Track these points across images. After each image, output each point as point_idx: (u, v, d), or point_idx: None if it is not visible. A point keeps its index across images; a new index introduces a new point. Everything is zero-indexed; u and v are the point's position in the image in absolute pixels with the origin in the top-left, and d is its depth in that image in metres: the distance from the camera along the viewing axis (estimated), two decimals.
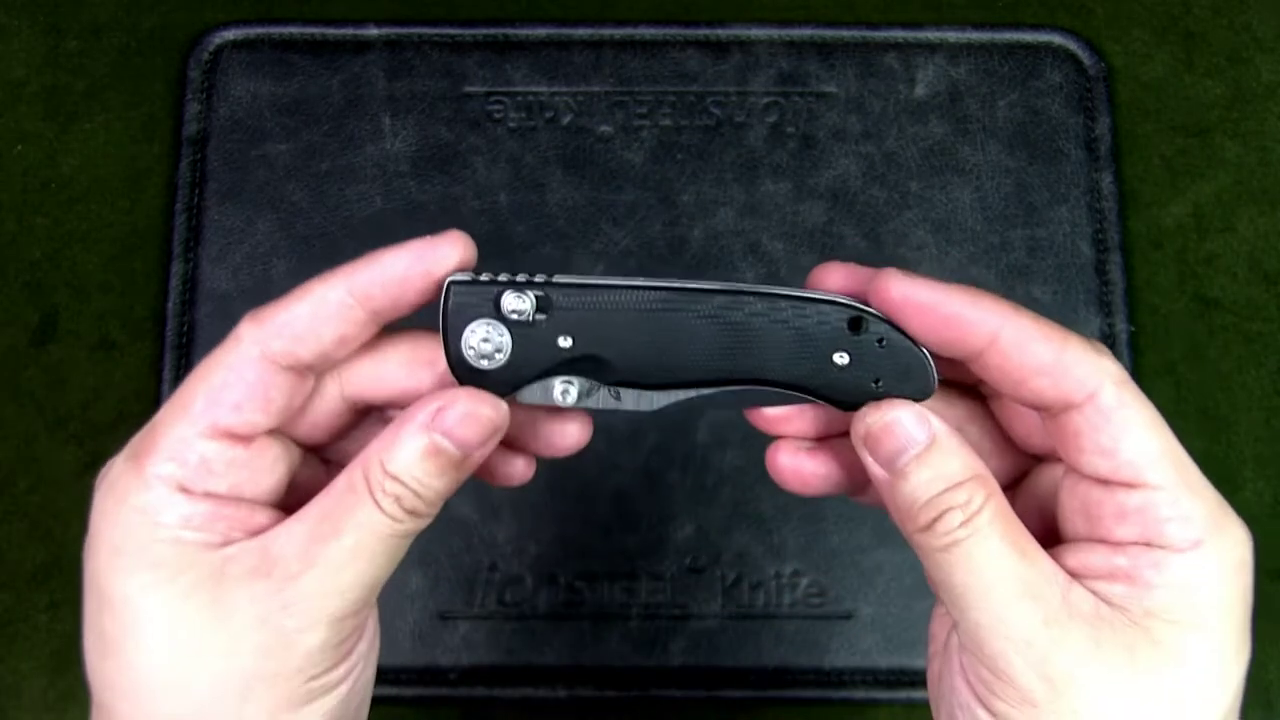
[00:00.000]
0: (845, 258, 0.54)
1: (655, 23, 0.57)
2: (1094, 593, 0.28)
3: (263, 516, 0.30)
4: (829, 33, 0.57)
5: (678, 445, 0.52)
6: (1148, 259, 0.55)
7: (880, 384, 0.30)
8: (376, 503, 0.29)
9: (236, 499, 0.30)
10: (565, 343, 0.30)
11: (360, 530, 0.30)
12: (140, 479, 0.29)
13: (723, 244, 0.54)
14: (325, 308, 0.30)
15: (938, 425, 0.29)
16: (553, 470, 0.51)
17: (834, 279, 0.31)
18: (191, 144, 0.55)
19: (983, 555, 0.28)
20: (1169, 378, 0.54)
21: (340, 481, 0.30)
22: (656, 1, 0.58)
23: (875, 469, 0.29)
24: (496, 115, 0.55)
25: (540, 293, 0.30)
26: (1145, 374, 0.54)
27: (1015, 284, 0.54)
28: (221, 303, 0.53)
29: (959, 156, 0.55)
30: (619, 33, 0.56)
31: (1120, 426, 0.29)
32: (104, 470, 0.30)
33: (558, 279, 0.30)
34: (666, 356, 0.30)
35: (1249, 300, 0.55)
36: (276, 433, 0.31)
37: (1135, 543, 0.28)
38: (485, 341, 0.30)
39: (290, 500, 0.31)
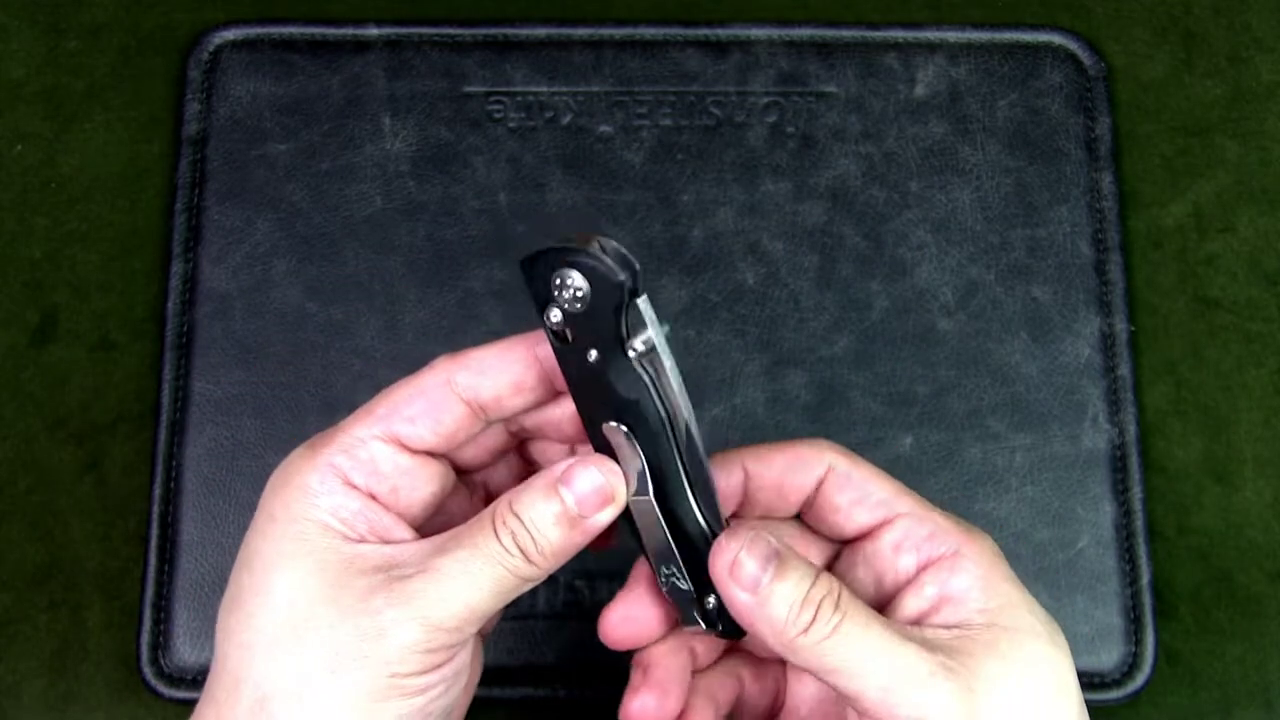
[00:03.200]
0: (845, 258, 0.54)
1: (655, 23, 0.57)
2: (934, 625, 0.34)
3: (401, 532, 0.34)
4: (829, 33, 0.57)
5: None
6: (1148, 259, 0.55)
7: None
8: (495, 533, 0.33)
9: (386, 507, 0.34)
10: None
11: (475, 551, 0.33)
12: (312, 463, 0.33)
13: (722, 244, 0.54)
14: (510, 355, 0.35)
15: (777, 544, 0.34)
16: None
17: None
18: (191, 144, 0.55)
19: (860, 626, 0.33)
20: (1169, 378, 0.54)
21: (473, 518, 0.34)
22: (656, 1, 0.58)
23: (741, 600, 0.34)
24: (496, 115, 0.55)
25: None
26: (1145, 374, 0.54)
27: (1015, 284, 0.54)
28: (221, 303, 0.53)
29: (959, 156, 0.55)
30: (619, 33, 0.56)
31: (860, 481, 0.36)
32: (287, 458, 0.35)
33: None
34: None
35: (1249, 300, 0.55)
36: (441, 457, 0.36)
37: (920, 568, 0.36)
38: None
39: (430, 526, 0.35)
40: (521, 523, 0.33)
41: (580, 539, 0.34)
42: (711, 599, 0.35)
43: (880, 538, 0.37)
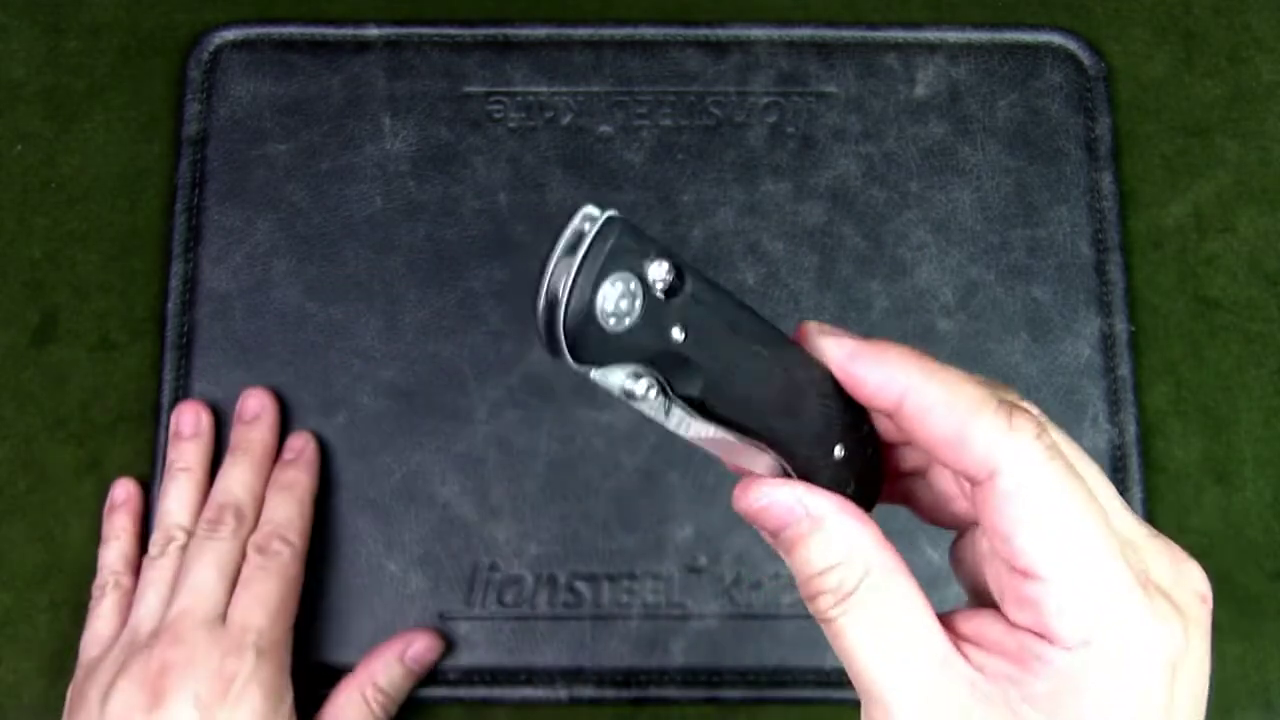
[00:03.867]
0: (845, 258, 0.54)
1: (655, 23, 0.57)
2: (981, 666, 0.27)
3: None
4: (829, 33, 0.57)
5: (678, 445, 0.52)
6: (1148, 259, 0.55)
7: (851, 488, 0.30)
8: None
9: None
10: (678, 334, 0.26)
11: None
12: None
13: (722, 244, 0.54)
14: None
15: (823, 508, 0.28)
16: (553, 470, 0.51)
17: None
18: (191, 144, 0.55)
19: (852, 634, 0.28)
20: (1169, 378, 0.54)
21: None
22: (656, 1, 0.58)
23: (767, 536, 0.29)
24: (496, 115, 0.55)
25: (675, 267, 0.26)
26: (1145, 374, 0.54)
27: (1015, 284, 0.54)
28: (221, 303, 0.53)
29: (959, 156, 0.55)
30: (619, 33, 0.56)
31: (1015, 514, 0.27)
32: None
33: (691, 268, 0.27)
34: (745, 393, 0.28)
35: (1249, 300, 0.55)
36: None
37: (1028, 630, 0.27)
38: (622, 300, 0.25)
39: None
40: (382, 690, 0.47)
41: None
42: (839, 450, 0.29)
43: (1014, 577, 0.27)
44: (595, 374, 0.26)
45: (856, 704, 0.51)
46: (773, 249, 0.54)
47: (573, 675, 0.50)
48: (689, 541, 0.51)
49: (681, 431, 0.28)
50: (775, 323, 0.29)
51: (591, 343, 0.25)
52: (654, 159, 0.55)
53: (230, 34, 0.56)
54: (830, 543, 0.28)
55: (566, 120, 0.55)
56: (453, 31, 0.56)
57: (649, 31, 0.56)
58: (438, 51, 0.56)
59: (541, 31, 0.56)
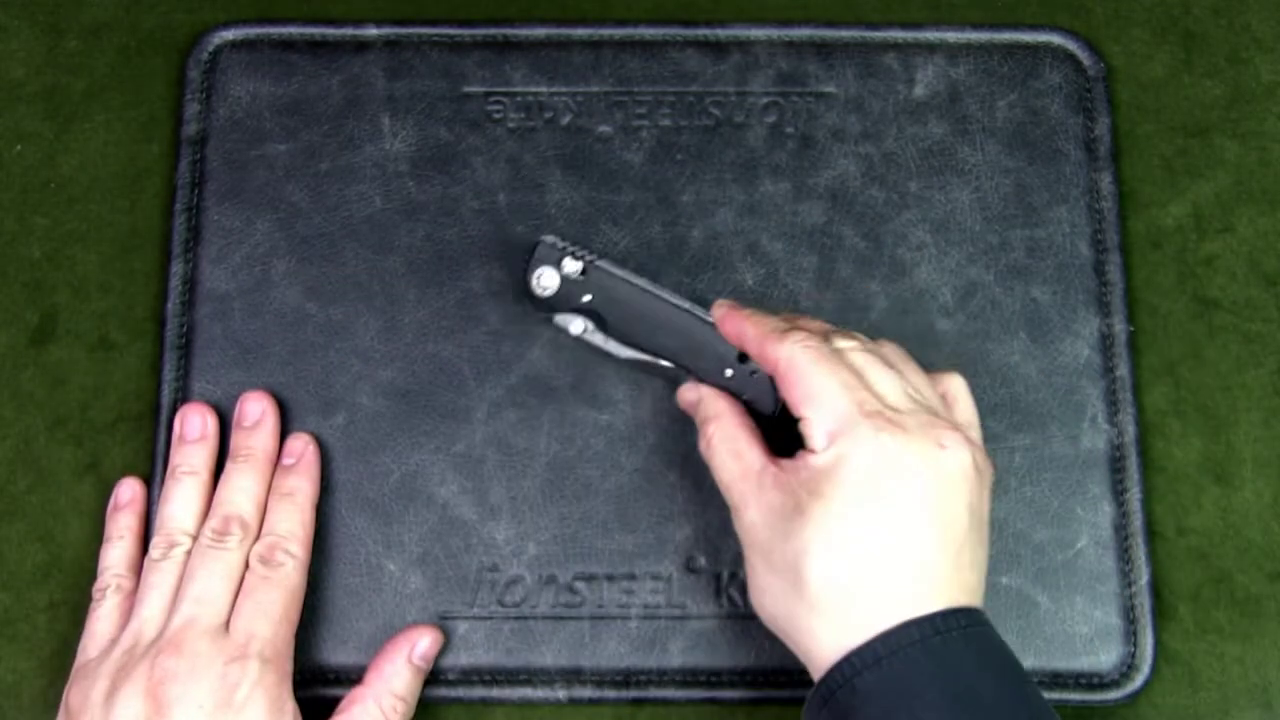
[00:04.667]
0: (845, 258, 0.54)
1: (655, 23, 0.57)
2: (781, 468, 0.44)
3: None
4: (828, 33, 0.57)
5: (678, 445, 0.52)
6: (1147, 259, 0.55)
7: (745, 396, 0.48)
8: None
9: None
10: (587, 298, 0.50)
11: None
12: None
13: (722, 244, 0.54)
14: None
15: (705, 391, 0.48)
16: (552, 470, 0.51)
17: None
18: (191, 144, 0.55)
19: (720, 455, 0.46)
20: (1169, 378, 0.54)
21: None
22: (656, 1, 0.58)
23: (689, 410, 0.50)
24: (496, 115, 0.55)
25: (584, 265, 0.50)
26: (1144, 374, 0.54)
27: (1014, 284, 0.54)
28: (221, 303, 0.53)
29: (958, 157, 0.55)
30: (618, 33, 0.56)
31: (787, 381, 0.44)
32: None
33: (599, 263, 0.50)
34: (642, 329, 0.50)
35: (1249, 300, 0.55)
36: None
37: (804, 450, 0.43)
38: (543, 274, 0.50)
39: None
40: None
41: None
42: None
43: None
44: (557, 319, 0.51)
45: None
46: (772, 249, 0.54)
47: (572, 675, 0.50)
48: (688, 541, 0.51)
49: (618, 353, 0.50)
50: None
51: (535, 300, 0.50)
52: (653, 159, 0.55)
53: (230, 34, 0.56)
54: (704, 406, 0.48)
55: (566, 120, 0.55)
56: (452, 31, 0.56)
57: (648, 31, 0.56)
58: (437, 51, 0.56)
59: (541, 31, 0.56)
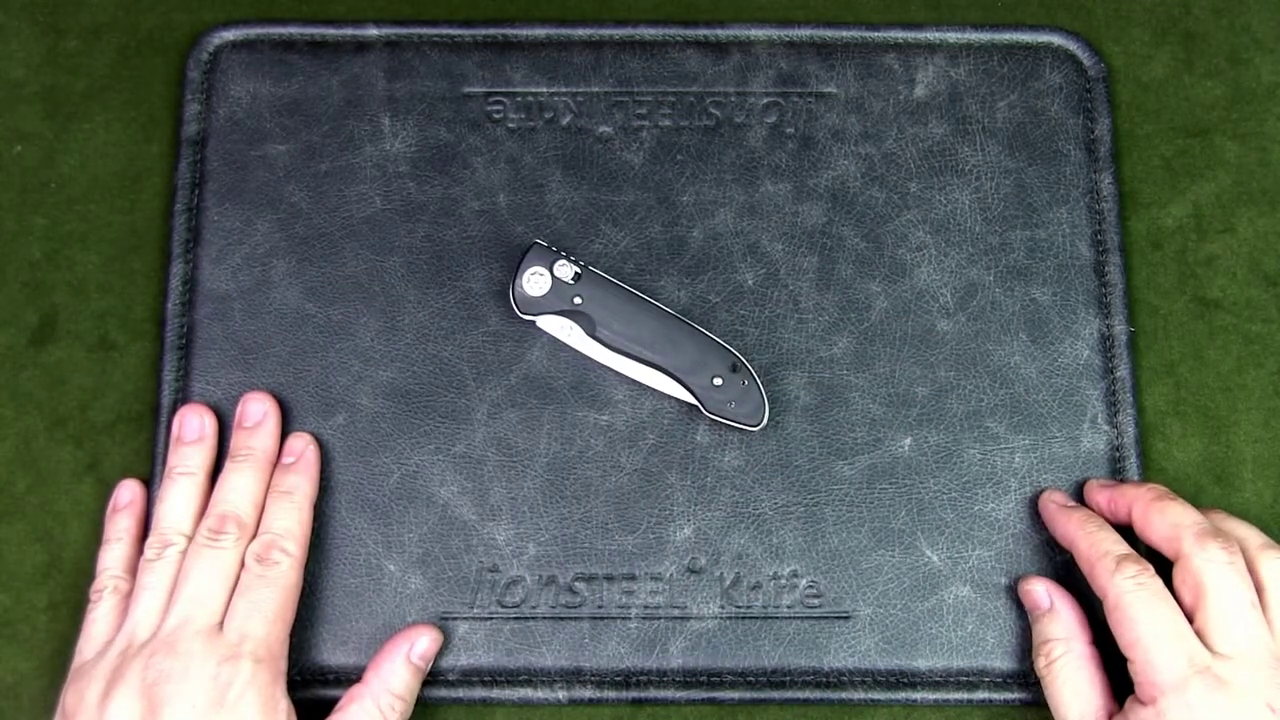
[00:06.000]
0: (845, 258, 0.54)
1: (655, 23, 0.57)
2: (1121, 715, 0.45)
3: None
4: (829, 33, 0.57)
5: (678, 445, 0.52)
6: (1147, 259, 0.55)
7: (732, 405, 0.50)
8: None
9: None
10: (577, 301, 0.51)
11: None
12: None
13: (722, 245, 0.54)
14: None
15: (1058, 598, 0.49)
16: (552, 471, 0.51)
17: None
18: (191, 144, 0.55)
19: (1059, 683, 0.47)
20: (1169, 378, 0.54)
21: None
22: (656, 1, 0.58)
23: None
24: (496, 116, 0.55)
25: (578, 269, 0.51)
26: (1145, 375, 0.54)
27: (1014, 285, 0.54)
28: (221, 303, 0.53)
29: (958, 157, 0.55)
30: (619, 33, 0.56)
31: (1114, 619, 0.45)
32: None
33: (591, 268, 0.51)
34: (631, 333, 0.50)
35: (1249, 300, 0.55)
36: None
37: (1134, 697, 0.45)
38: (534, 276, 0.51)
39: None
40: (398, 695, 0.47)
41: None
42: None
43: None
44: (541, 323, 0.51)
45: (854, 705, 0.51)
46: (772, 250, 0.54)
47: (572, 676, 0.50)
48: (688, 542, 0.51)
49: (601, 360, 0.51)
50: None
51: (523, 300, 0.51)
52: (653, 159, 0.55)
53: (230, 34, 0.56)
54: (1057, 622, 0.48)
55: (566, 121, 0.55)
56: (452, 32, 0.56)
57: (648, 32, 0.56)
58: (437, 52, 0.56)
59: (541, 32, 0.56)
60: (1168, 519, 0.46)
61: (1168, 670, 0.43)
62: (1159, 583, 0.45)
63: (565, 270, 0.50)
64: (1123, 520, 0.49)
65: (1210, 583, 0.44)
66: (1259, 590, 0.45)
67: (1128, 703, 0.44)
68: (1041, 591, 0.49)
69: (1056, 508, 0.50)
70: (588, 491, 0.51)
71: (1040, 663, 0.47)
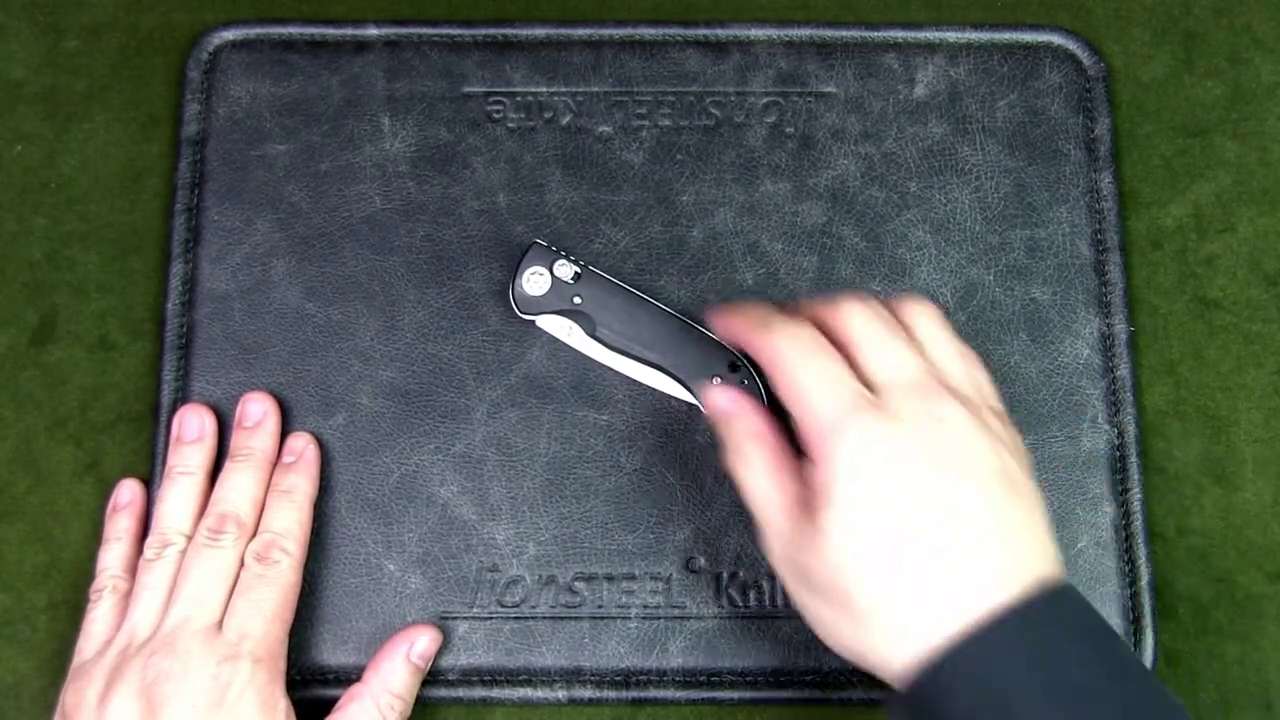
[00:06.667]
0: (845, 258, 0.54)
1: (655, 23, 0.57)
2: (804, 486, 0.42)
3: None
4: (828, 33, 0.57)
5: (677, 445, 0.52)
6: (1147, 259, 0.55)
7: None
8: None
9: None
10: (577, 300, 0.50)
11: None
12: None
13: (722, 245, 0.54)
14: None
15: (743, 404, 0.45)
16: (552, 471, 0.51)
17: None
18: (191, 144, 0.55)
19: (754, 482, 0.44)
20: (1169, 378, 0.54)
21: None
22: (656, 1, 0.58)
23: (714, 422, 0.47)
24: (496, 115, 0.55)
25: (578, 269, 0.51)
26: (1145, 374, 0.54)
27: (1014, 284, 0.54)
28: (221, 303, 0.53)
29: (958, 157, 0.55)
30: (618, 33, 0.56)
31: (773, 379, 0.43)
32: None
33: (591, 268, 0.51)
34: (631, 333, 0.51)
35: (1249, 300, 0.55)
36: None
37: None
38: (534, 276, 0.51)
39: None
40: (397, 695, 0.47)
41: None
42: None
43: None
44: (540, 323, 0.51)
45: (855, 705, 0.51)
46: (772, 249, 0.54)
47: (572, 676, 0.50)
48: (688, 542, 0.51)
49: (600, 359, 0.51)
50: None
51: (523, 300, 0.51)
52: (653, 159, 0.55)
53: (229, 34, 0.56)
54: (743, 424, 0.45)
55: (566, 120, 0.55)
56: (452, 31, 0.56)
57: (648, 31, 0.56)
58: (437, 52, 0.56)
59: (541, 31, 0.56)
60: (800, 313, 0.44)
61: (826, 412, 0.40)
62: (814, 333, 0.43)
63: (565, 270, 0.50)
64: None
65: (856, 327, 0.42)
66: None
67: (803, 469, 0.42)
68: (720, 391, 0.46)
69: (720, 310, 0.47)
70: (587, 491, 0.51)
71: (733, 464, 0.44)
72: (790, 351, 0.42)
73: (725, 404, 0.46)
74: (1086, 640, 0.39)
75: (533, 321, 0.51)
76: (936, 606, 0.38)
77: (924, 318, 0.44)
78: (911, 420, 0.40)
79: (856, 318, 0.43)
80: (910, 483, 0.39)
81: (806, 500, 0.41)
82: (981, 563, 0.39)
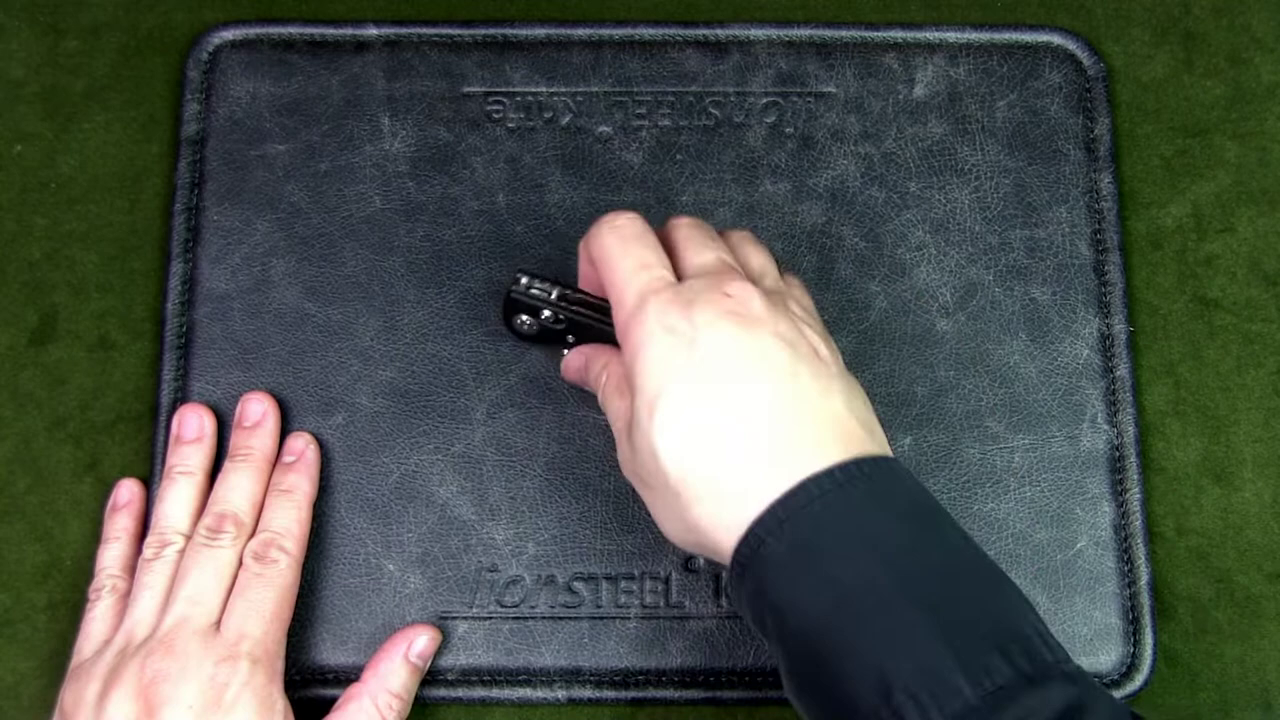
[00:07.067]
0: (844, 258, 0.54)
1: (654, 23, 0.57)
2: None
3: None
4: (828, 33, 0.57)
5: None
6: (1147, 259, 0.55)
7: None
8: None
9: None
10: (570, 339, 0.49)
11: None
12: None
13: None
14: None
15: (589, 349, 0.48)
16: (552, 471, 0.51)
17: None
18: (190, 144, 0.55)
19: (603, 394, 0.45)
20: (1169, 378, 0.54)
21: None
22: (656, 1, 0.58)
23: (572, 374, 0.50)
24: (495, 116, 0.55)
25: (559, 313, 0.48)
26: (1144, 374, 0.54)
27: (1014, 284, 0.54)
28: (220, 303, 0.53)
29: (958, 157, 0.55)
30: (618, 33, 0.56)
31: (598, 269, 0.44)
32: None
33: (574, 305, 0.48)
34: (591, 333, 0.48)
35: (1249, 300, 0.55)
36: None
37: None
38: (523, 322, 0.49)
39: None
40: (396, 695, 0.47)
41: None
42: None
43: None
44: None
45: None
46: (772, 249, 0.54)
47: (571, 676, 0.50)
48: None
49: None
50: None
51: (517, 335, 0.50)
52: (653, 159, 0.55)
53: (229, 34, 0.56)
54: (597, 359, 0.47)
55: (565, 120, 0.55)
56: (452, 32, 0.56)
57: (648, 31, 0.56)
58: (437, 52, 0.56)
59: (540, 32, 0.56)
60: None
61: (630, 296, 0.41)
62: (639, 226, 0.44)
63: (548, 315, 0.48)
64: None
65: (679, 234, 0.45)
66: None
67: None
68: (573, 354, 0.49)
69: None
70: (587, 491, 0.51)
71: (602, 398, 0.46)
72: (611, 238, 0.43)
73: (574, 358, 0.49)
74: (899, 507, 0.39)
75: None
76: (752, 476, 0.38)
77: (749, 241, 0.47)
78: (703, 298, 0.41)
79: (681, 227, 0.45)
80: (705, 362, 0.39)
81: (625, 391, 0.43)
82: (791, 432, 0.39)
